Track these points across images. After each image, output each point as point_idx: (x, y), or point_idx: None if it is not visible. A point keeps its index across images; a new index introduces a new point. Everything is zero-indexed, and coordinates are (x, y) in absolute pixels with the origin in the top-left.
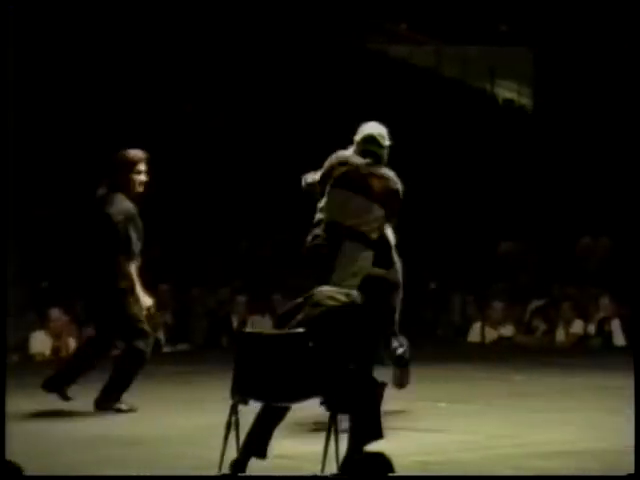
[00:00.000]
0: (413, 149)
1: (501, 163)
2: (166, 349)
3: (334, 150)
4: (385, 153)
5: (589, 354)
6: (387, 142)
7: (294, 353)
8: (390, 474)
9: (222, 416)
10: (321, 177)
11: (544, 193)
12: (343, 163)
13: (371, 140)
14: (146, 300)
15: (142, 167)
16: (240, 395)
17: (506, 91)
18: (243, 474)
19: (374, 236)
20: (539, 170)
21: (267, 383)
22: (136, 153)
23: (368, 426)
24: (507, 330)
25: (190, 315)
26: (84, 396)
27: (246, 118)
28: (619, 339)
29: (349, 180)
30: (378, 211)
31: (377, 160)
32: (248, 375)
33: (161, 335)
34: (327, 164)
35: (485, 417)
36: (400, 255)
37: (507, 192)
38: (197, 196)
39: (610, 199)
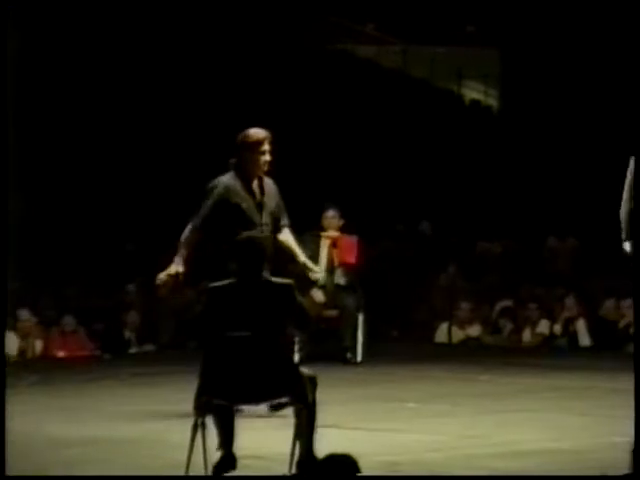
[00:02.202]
0: (381, 149)
1: (468, 164)
2: (132, 350)
3: (304, 151)
4: None
5: (555, 354)
6: None
7: (263, 354)
8: (356, 474)
9: (189, 417)
10: None
11: (511, 194)
12: None
13: None
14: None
15: (265, 147)
16: (207, 396)
17: (473, 92)
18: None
19: None
20: (506, 171)
21: (235, 384)
22: (258, 132)
23: (314, 420)
24: (474, 330)
25: (157, 315)
26: (46, 397)
27: (213, 117)
28: (584, 339)
29: None
30: None
31: None
32: (216, 376)
33: (130, 335)
34: None
35: (452, 417)
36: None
37: (474, 193)
38: (170, 195)
39: (577, 199)
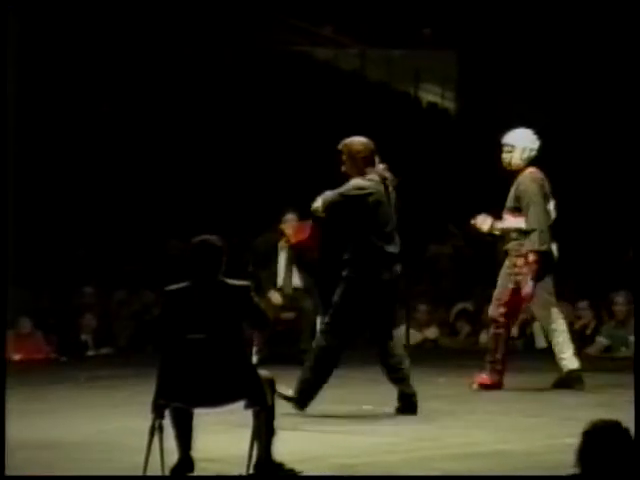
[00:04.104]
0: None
1: (424, 166)
2: (90, 352)
3: (264, 154)
4: None
5: (511, 356)
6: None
7: (219, 356)
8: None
9: (146, 420)
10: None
11: (466, 196)
12: None
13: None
14: None
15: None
16: (164, 399)
17: (430, 94)
18: (191, 473)
19: None
20: (462, 173)
21: (192, 387)
22: (368, 143)
23: (272, 422)
24: (431, 332)
25: (114, 318)
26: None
27: (171, 119)
28: (540, 341)
29: None
30: None
31: None
32: (173, 379)
33: (87, 338)
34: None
35: (409, 419)
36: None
37: (429, 195)
38: (123, 197)
39: None
